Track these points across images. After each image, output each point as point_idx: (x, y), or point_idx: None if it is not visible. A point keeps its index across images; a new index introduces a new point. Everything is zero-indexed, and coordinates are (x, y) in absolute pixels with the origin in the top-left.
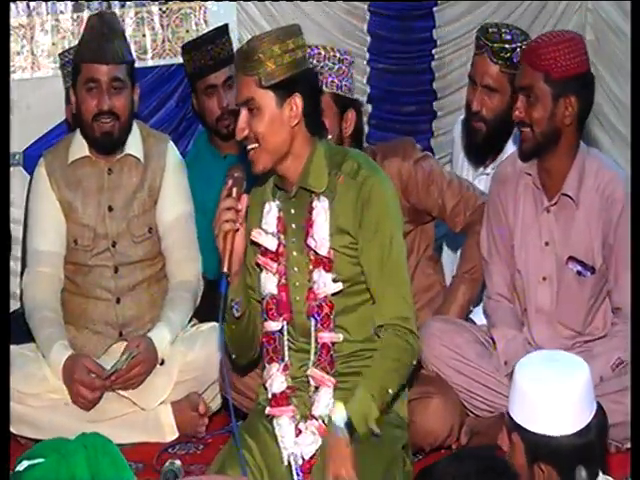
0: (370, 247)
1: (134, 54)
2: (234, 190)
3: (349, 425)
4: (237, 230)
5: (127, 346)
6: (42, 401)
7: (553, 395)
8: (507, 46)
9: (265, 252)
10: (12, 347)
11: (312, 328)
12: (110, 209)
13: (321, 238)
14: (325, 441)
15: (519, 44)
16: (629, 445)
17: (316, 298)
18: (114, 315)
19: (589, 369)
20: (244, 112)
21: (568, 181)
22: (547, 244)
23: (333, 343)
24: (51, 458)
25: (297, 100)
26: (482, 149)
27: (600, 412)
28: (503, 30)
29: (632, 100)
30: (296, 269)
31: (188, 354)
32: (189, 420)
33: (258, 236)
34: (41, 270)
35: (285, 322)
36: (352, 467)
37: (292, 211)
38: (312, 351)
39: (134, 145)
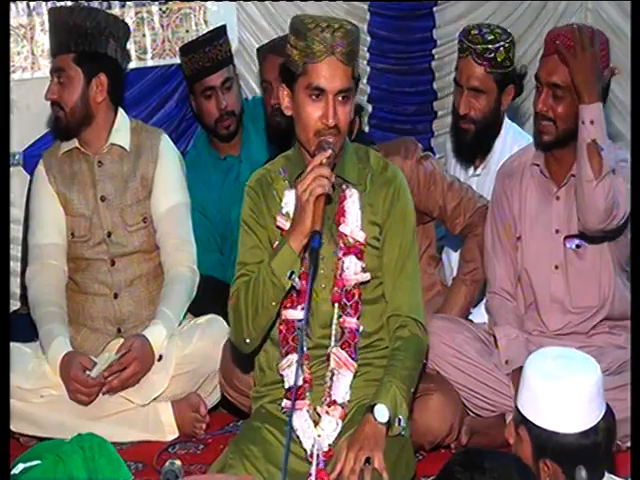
0: (395, 238)
1: (133, 54)
2: (326, 161)
3: (387, 423)
4: (325, 196)
5: (122, 344)
6: (42, 398)
7: (562, 392)
8: (491, 46)
9: None
10: (12, 344)
11: (335, 315)
12: (103, 199)
13: (355, 226)
14: (348, 426)
15: (502, 43)
16: (629, 444)
17: (343, 285)
18: (112, 311)
19: None
20: (333, 100)
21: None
22: (557, 232)
23: (358, 330)
24: (48, 460)
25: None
26: (471, 149)
27: (609, 414)
28: (485, 31)
29: (632, 100)
30: (322, 257)
31: (185, 347)
32: (189, 420)
33: (284, 222)
34: (45, 262)
35: (303, 310)
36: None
37: None
38: (333, 336)
39: (119, 135)
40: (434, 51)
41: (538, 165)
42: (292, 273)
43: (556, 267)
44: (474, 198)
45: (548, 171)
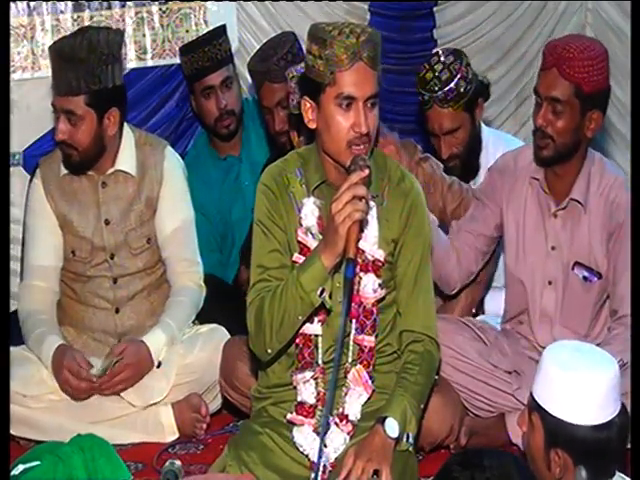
0: (411, 252)
1: (134, 54)
2: (363, 180)
3: (397, 438)
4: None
5: (111, 350)
6: (41, 402)
7: (579, 384)
8: (450, 85)
9: (306, 252)
10: (11, 349)
11: (352, 331)
12: (107, 222)
13: (373, 243)
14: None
15: (459, 74)
16: (629, 445)
17: (361, 302)
18: (113, 324)
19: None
20: (364, 107)
21: (576, 186)
22: (553, 248)
23: (374, 348)
24: (47, 461)
25: None
26: (462, 177)
27: (623, 413)
28: (438, 69)
29: (632, 100)
30: (339, 270)
31: (187, 356)
32: (189, 421)
33: (306, 237)
34: (35, 284)
35: (320, 323)
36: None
37: None
38: (350, 352)
39: (125, 159)
40: (434, 51)
41: (537, 179)
42: (323, 290)
43: (549, 282)
44: (474, 199)
45: (548, 186)
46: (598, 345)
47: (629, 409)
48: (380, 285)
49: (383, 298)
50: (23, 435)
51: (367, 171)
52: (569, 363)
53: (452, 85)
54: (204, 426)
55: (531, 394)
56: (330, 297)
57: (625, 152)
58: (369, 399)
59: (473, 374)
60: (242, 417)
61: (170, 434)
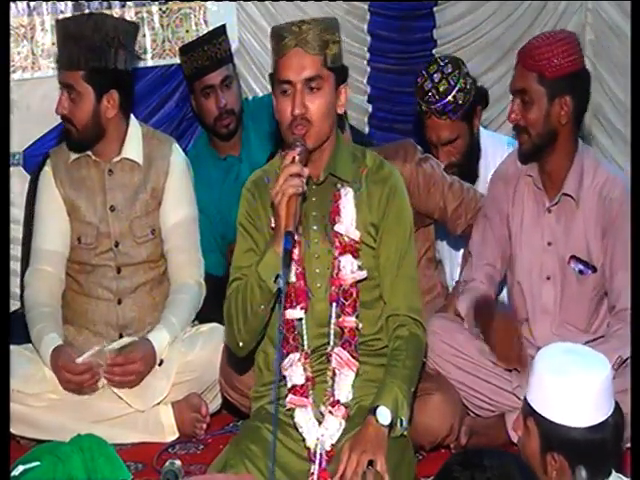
0: (391, 237)
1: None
2: (298, 158)
3: (389, 425)
4: (299, 195)
5: (128, 345)
6: (42, 401)
7: (571, 387)
8: (448, 97)
9: None
10: (12, 347)
11: (332, 314)
12: (112, 209)
13: (350, 225)
14: (347, 427)
15: (457, 85)
16: (629, 445)
17: (340, 285)
18: (115, 316)
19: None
20: (301, 92)
21: (568, 181)
22: (550, 244)
23: (357, 329)
24: (47, 461)
25: (347, 89)
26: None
27: (618, 412)
28: (436, 78)
29: (632, 100)
30: (317, 256)
31: (188, 355)
32: (189, 421)
33: None
34: (42, 268)
35: (303, 311)
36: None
37: (313, 199)
38: (331, 336)
39: (132, 148)
40: (434, 51)
41: (531, 176)
42: (277, 276)
43: (548, 278)
44: (475, 198)
45: (541, 182)
46: (598, 339)
47: (630, 407)
48: (359, 267)
49: (364, 279)
50: (23, 434)
51: (298, 149)
52: (561, 367)
53: (450, 97)
54: (204, 426)
55: (525, 399)
56: (288, 284)
57: (624, 151)
58: (356, 376)
59: (473, 372)
60: (242, 417)
61: (170, 434)
